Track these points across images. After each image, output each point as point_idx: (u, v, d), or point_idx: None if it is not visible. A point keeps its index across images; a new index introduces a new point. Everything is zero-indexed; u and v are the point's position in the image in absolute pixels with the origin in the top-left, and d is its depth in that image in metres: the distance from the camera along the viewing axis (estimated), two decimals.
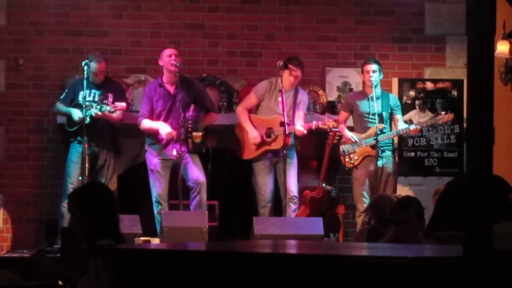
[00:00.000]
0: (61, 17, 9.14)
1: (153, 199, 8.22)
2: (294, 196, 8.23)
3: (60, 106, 8.42)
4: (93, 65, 8.27)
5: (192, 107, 8.20)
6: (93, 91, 8.32)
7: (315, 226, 7.42)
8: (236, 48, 9.29)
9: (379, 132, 8.22)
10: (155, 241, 7.48)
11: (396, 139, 8.73)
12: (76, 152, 8.32)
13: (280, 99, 8.22)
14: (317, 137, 8.77)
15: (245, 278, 3.10)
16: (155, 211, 8.18)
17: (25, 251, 8.24)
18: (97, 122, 8.24)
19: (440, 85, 9.12)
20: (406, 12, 9.45)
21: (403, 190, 8.85)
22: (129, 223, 7.19)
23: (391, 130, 8.42)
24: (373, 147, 8.29)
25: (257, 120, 8.50)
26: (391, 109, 8.48)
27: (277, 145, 8.33)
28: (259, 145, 8.40)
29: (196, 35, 9.25)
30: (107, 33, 9.16)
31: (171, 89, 8.24)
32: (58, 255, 6.30)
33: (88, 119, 8.13)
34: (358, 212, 8.39)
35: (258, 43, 9.27)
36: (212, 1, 9.29)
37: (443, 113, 8.66)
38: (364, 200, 8.25)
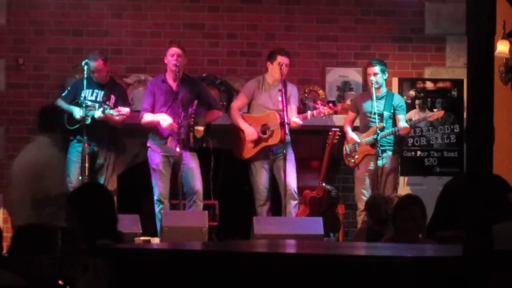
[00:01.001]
0: (61, 17, 9.14)
1: (155, 197, 8.25)
2: (294, 191, 8.27)
3: (62, 103, 8.42)
4: (91, 63, 8.29)
5: (194, 102, 8.25)
6: (96, 91, 8.33)
7: (315, 225, 7.43)
8: (236, 48, 9.29)
9: (379, 131, 8.26)
10: (155, 240, 7.48)
11: (397, 139, 8.73)
12: (76, 152, 8.31)
13: (270, 94, 8.39)
14: (317, 137, 8.78)
15: (245, 278, 3.10)
16: (156, 209, 8.20)
17: None
18: (97, 122, 8.24)
19: (440, 84, 9.12)
20: (406, 12, 9.45)
21: (403, 190, 8.85)
22: (129, 223, 7.19)
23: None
24: (373, 146, 8.33)
25: (251, 118, 8.54)
26: (394, 109, 8.51)
27: (274, 140, 8.38)
28: (256, 143, 8.44)
29: (196, 35, 9.25)
30: (107, 33, 9.16)
31: (173, 85, 8.30)
32: (58, 255, 6.32)
33: (89, 120, 8.14)
34: (358, 211, 8.43)
35: (258, 43, 9.27)
36: (212, 1, 9.29)
37: (435, 110, 8.70)
38: (364, 199, 8.26)
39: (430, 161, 9.01)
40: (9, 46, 9.09)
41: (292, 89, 8.55)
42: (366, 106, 8.49)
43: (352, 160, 8.52)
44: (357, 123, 8.67)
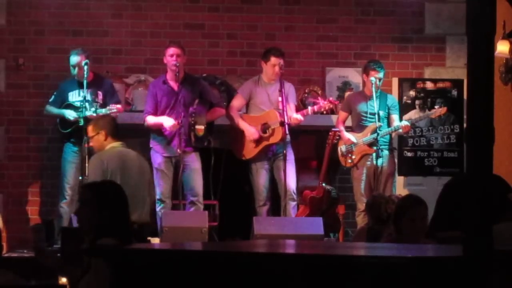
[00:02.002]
0: (61, 17, 9.14)
1: (157, 197, 8.25)
2: (293, 192, 8.27)
3: (51, 109, 8.40)
4: (72, 58, 8.29)
5: (196, 101, 8.24)
6: (82, 90, 8.15)
7: (315, 226, 7.42)
8: (236, 48, 9.30)
9: (379, 131, 8.24)
10: (155, 241, 7.48)
11: (395, 139, 8.73)
12: (71, 152, 8.31)
13: (268, 93, 8.38)
14: (317, 137, 8.78)
15: (245, 278, 3.10)
16: (158, 209, 8.20)
17: (24, 251, 8.24)
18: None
19: (440, 85, 9.11)
20: (406, 12, 9.46)
21: (403, 190, 8.85)
22: None
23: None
24: (371, 145, 8.32)
25: (250, 118, 8.53)
26: (388, 109, 8.51)
27: (275, 138, 8.37)
28: (257, 142, 8.44)
29: (196, 35, 9.26)
30: (107, 33, 9.17)
31: (174, 86, 8.30)
32: (58, 255, 6.32)
33: (82, 121, 8.06)
34: (358, 211, 8.43)
35: (258, 43, 9.26)
36: (212, 1, 9.30)
37: (436, 107, 8.70)
38: (363, 199, 8.25)
39: (430, 161, 9.01)
40: (9, 46, 9.10)
41: (289, 88, 8.54)
42: (361, 106, 8.47)
43: (349, 161, 8.47)
44: (348, 123, 8.63)
